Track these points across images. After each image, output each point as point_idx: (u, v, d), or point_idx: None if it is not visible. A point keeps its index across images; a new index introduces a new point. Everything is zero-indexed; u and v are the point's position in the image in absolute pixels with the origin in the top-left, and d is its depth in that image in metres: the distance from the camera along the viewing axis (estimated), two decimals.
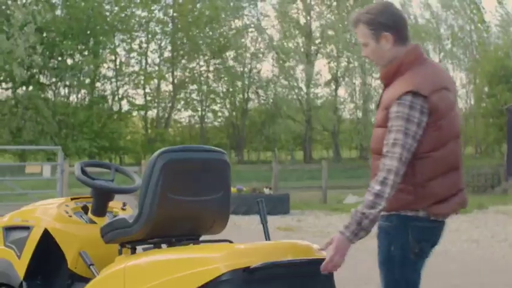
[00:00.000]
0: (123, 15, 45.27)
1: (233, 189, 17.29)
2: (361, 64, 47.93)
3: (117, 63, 46.16)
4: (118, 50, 46.27)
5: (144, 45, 47.34)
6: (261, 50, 50.80)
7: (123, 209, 5.04)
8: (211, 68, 49.46)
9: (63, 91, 44.68)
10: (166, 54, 48.19)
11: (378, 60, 4.02)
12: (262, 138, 50.87)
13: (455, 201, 3.91)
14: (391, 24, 3.99)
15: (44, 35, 40.77)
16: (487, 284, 9.36)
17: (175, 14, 47.29)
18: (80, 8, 41.98)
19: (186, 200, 4.09)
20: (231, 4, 48.17)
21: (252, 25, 50.39)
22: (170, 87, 48.58)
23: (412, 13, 54.88)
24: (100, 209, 4.83)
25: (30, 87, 40.53)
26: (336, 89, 50.77)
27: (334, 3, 49.41)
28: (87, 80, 43.30)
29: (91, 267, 4.50)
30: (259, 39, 50.68)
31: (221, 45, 48.12)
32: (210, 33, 48.07)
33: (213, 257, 3.60)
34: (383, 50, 3.98)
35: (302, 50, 49.42)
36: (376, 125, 3.92)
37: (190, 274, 3.59)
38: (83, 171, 4.78)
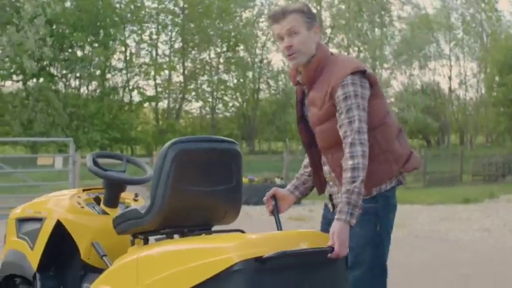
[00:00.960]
0: (133, 6, 45.25)
1: (244, 180, 17.32)
2: (371, 54, 47.81)
3: (127, 54, 46.20)
4: (128, 41, 46.32)
5: (155, 36, 47.35)
6: (272, 40, 50.79)
7: (135, 200, 5.05)
8: (221, 60, 49.42)
9: (74, 83, 44.81)
10: (177, 45, 48.19)
11: (305, 50, 4.01)
12: (273, 129, 50.85)
13: (416, 158, 4.13)
14: (317, 19, 4.13)
15: (54, 27, 40.81)
16: (499, 273, 9.33)
17: (185, 5, 47.23)
18: None
19: (198, 190, 4.09)
20: None
21: (263, 15, 50.36)
22: (181, 78, 48.62)
23: (423, 2, 54.69)
24: (112, 200, 4.85)
25: (41, 79, 40.59)
26: None
27: None
28: (98, 72, 43.34)
29: (104, 258, 4.52)
30: (270, 29, 50.61)
31: (234, 39, 48.06)
32: (221, 24, 48.03)
33: (225, 246, 3.60)
34: (312, 40, 4.04)
35: None
36: (318, 122, 3.99)
37: (203, 264, 3.59)
38: (95, 163, 4.79)
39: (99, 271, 4.46)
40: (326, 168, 4.11)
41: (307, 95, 4.08)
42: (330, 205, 4.18)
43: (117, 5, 45.02)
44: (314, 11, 4.14)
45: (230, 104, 50.45)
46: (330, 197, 4.17)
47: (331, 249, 3.67)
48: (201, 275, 3.57)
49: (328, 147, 3.98)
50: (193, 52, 48.73)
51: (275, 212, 4.32)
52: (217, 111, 50.13)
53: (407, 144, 4.07)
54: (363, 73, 3.92)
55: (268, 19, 4.16)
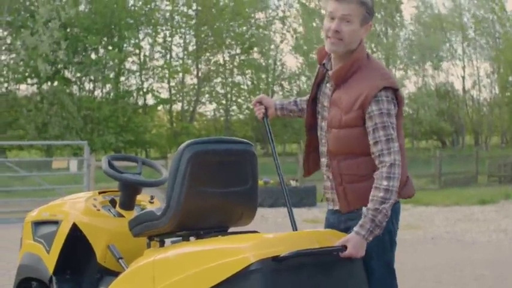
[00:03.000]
0: (147, 8, 45.32)
1: (260, 182, 17.30)
2: (385, 54, 47.75)
3: (141, 57, 46.27)
4: (142, 44, 46.38)
5: (169, 38, 47.39)
6: (285, 41, 50.91)
7: (150, 202, 5.05)
8: (235, 62, 49.41)
9: (88, 86, 44.88)
10: (190, 47, 48.22)
11: (349, 42, 3.91)
12: (287, 131, 50.79)
13: (410, 185, 4.07)
14: (373, 18, 4.04)
15: (68, 30, 40.92)
16: None
17: (199, 8, 47.27)
18: (104, 2, 42.06)
19: (213, 192, 4.08)
20: None
21: (277, 17, 50.44)
22: (195, 80, 48.66)
23: (435, 2, 54.57)
24: (128, 203, 4.84)
25: (55, 83, 40.68)
26: None
27: None
28: (112, 75, 43.43)
29: (120, 260, 4.52)
30: (284, 31, 50.75)
31: (248, 42, 48.06)
32: (235, 26, 48.05)
33: (241, 247, 3.60)
34: (359, 36, 3.95)
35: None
36: (337, 126, 3.93)
37: (220, 265, 3.59)
38: (111, 165, 4.79)
39: (115, 274, 4.46)
40: (323, 161, 4.10)
41: (330, 90, 4.02)
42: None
43: (132, 8, 45.09)
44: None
45: (244, 106, 50.44)
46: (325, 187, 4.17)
47: (345, 248, 3.68)
48: (218, 276, 3.57)
49: (338, 153, 3.95)
50: (207, 54, 48.77)
51: (265, 117, 4.42)
52: (231, 113, 50.15)
53: (406, 168, 4.00)
54: (395, 91, 3.89)
55: None
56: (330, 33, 3.90)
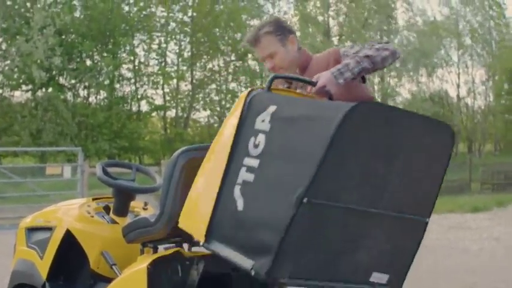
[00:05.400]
0: (142, 15, 45.32)
1: None
2: None
3: (136, 63, 46.24)
4: (137, 50, 46.37)
5: (164, 45, 47.38)
6: None
7: (144, 209, 5.07)
8: (230, 69, 49.42)
9: (83, 92, 44.82)
10: (185, 54, 48.20)
11: (287, 64, 4.20)
12: None
13: None
14: (291, 28, 4.27)
15: (63, 37, 40.88)
16: (509, 282, 9.31)
17: (194, 14, 47.27)
18: (99, 9, 42.06)
19: None
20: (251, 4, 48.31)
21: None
22: (189, 86, 48.63)
23: (431, 10, 54.61)
24: (122, 209, 4.86)
25: (50, 89, 40.62)
26: None
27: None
28: (106, 81, 43.38)
29: (113, 267, 4.53)
30: None
31: (243, 49, 48.11)
32: (230, 33, 48.09)
33: None
34: (291, 53, 4.20)
35: (320, 47, 49.34)
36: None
37: None
38: (105, 172, 4.80)
39: (108, 280, 4.47)
40: None
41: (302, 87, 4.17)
42: None
43: (127, 14, 45.05)
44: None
45: None
46: None
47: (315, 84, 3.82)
48: None
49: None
50: (202, 61, 48.77)
51: None
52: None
53: None
54: None
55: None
56: (272, 71, 4.21)
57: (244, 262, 3.09)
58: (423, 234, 3.57)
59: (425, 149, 3.34)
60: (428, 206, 3.55)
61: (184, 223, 3.50)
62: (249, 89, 3.44)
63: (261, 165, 3.16)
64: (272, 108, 3.23)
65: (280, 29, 4.16)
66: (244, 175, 3.20)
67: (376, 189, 3.20)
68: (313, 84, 3.77)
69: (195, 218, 3.39)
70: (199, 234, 3.28)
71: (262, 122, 3.24)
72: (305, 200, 2.92)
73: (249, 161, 3.21)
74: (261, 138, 3.21)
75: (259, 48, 4.16)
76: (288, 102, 3.29)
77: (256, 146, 3.21)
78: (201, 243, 3.27)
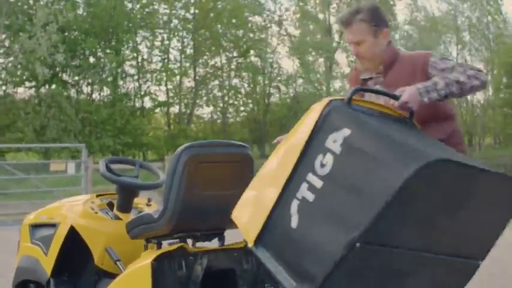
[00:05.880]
0: (145, 12, 45.29)
1: None
2: None
3: (139, 60, 46.22)
4: (140, 47, 46.34)
5: (166, 42, 47.34)
6: (282, 45, 50.87)
7: (148, 205, 5.07)
8: (232, 65, 49.38)
9: (86, 89, 44.81)
10: (188, 51, 48.16)
11: (372, 56, 4.07)
12: (284, 133, 50.79)
13: None
14: (387, 21, 4.16)
15: (66, 33, 40.86)
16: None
17: (196, 11, 47.22)
18: (102, 6, 42.02)
19: (210, 195, 4.11)
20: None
21: (273, 21, 50.50)
22: (192, 83, 48.61)
23: (430, 5, 54.49)
24: (125, 205, 4.86)
25: (53, 86, 40.60)
26: None
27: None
28: (110, 78, 43.35)
29: (117, 262, 4.54)
30: (280, 34, 50.84)
31: (245, 45, 48.11)
32: (233, 30, 48.08)
33: None
34: (379, 45, 4.08)
35: (321, 44, 49.30)
36: None
37: None
38: (108, 168, 4.81)
39: (112, 276, 4.48)
40: None
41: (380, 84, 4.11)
42: None
43: (130, 11, 45.00)
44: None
45: (241, 109, 50.43)
46: None
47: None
48: None
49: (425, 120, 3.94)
50: (204, 57, 48.73)
51: None
52: (228, 115, 50.09)
53: None
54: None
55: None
56: (356, 56, 4.14)
57: (287, 282, 3.06)
58: (472, 275, 3.50)
59: (493, 202, 3.26)
60: (486, 250, 3.48)
61: (237, 216, 3.44)
62: (329, 98, 3.31)
63: (323, 188, 3.07)
64: (346, 132, 3.10)
65: (377, 19, 4.05)
66: (304, 192, 3.12)
67: (433, 235, 3.15)
68: (396, 98, 3.66)
69: (249, 216, 3.34)
70: (249, 236, 3.23)
71: (334, 142, 3.12)
72: (358, 244, 2.88)
73: (312, 179, 3.12)
74: (329, 159, 3.11)
75: (349, 32, 4.06)
76: (363, 129, 3.12)
77: (323, 165, 3.11)
78: (249, 245, 3.24)
